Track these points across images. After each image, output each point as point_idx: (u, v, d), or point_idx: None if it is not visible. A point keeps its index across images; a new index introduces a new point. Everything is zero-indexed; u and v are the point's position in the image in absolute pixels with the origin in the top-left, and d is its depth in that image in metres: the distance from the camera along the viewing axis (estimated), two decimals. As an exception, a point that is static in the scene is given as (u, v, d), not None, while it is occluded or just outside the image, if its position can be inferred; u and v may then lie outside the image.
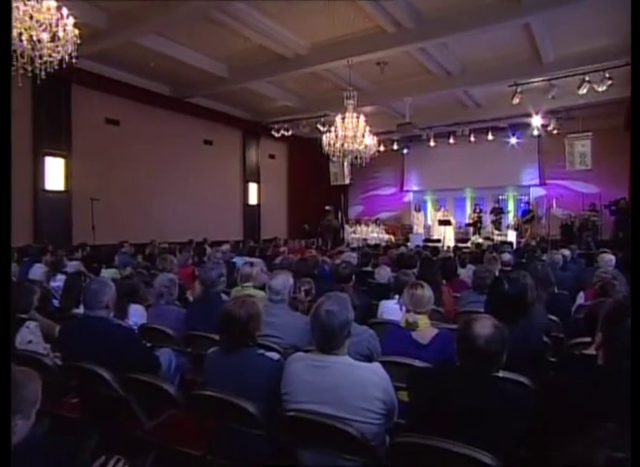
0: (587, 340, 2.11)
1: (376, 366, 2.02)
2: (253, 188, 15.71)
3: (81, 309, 3.27)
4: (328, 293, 2.14)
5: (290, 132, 14.41)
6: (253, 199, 15.72)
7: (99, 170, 10.78)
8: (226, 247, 8.74)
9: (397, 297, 3.70)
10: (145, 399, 2.40)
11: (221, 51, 10.04)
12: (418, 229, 16.17)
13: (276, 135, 14.50)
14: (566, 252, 6.46)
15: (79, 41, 4.86)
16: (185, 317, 3.46)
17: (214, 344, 2.39)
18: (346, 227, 16.09)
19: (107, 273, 5.48)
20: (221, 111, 13.71)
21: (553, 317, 3.49)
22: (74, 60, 4.85)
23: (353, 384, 1.90)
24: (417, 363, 2.43)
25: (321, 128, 12.65)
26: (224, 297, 3.66)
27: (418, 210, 16.65)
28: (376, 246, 11.65)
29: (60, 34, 4.59)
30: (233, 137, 14.95)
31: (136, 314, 3.48)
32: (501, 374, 2.05)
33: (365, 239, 14.90)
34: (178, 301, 3.95)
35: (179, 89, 12.12)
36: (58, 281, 4.77)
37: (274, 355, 2.29)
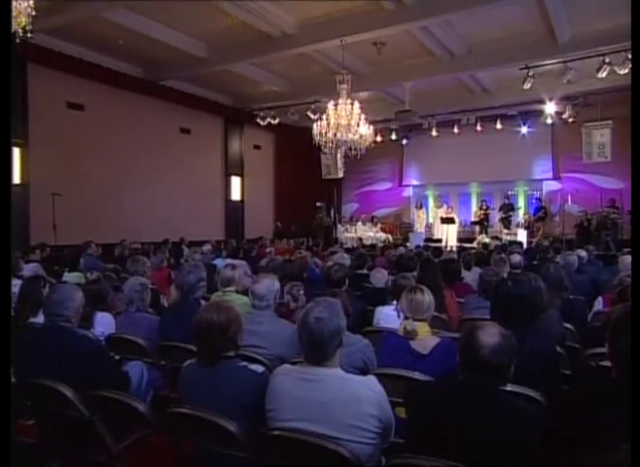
0: (605, 350, 2.13)
1: (371, 379, 2.01)
2: (236, 182, 15.68)
3: (39, 318, 3.24)
4: (317, 298, 2.13)
5: (277, 120, 14.39)
6: (236, 195, 15.69)
7: (61, 161, 10.67)
8: (207, 248, 8.70)
9: (394, 302, 3.70)
10: (112, 419, 2.38)
11: (199, 28, 10.01)
12: (419, 227, 16.26)
13: (262, 124, 14.47)
14: (582, 253, 6.50)
15: (34, 13, 4.77)
16: (158, 326, 3.45)
17: (191, 356, 2.38)
18: (339, 225, 16.11)
19: (70, 278, 5.43)
20: (200, 96, 13.68)
21: (568, 325, 3.52)
22: (29, 35, 4.75)
23: (345, 400, 1.90)
24: (416, 375, 2.43)
25: (311, 116, 12.62)
26: (203, 303, 3.63)
27: (419, 207, 16.73)
28: (373, 247, 11.68)
29: (13, 4, 4.48)
30: (214, 125, 14.91)
31: (103, 323, 3.45)
32: (509, 387, 2.07)
33: (360, 239, 14.94)
34: (151, 308, 3.92)
35: (152, 71, 12.05)
36: (13, 287, 4.71)
37: (258, 368, 2.28)
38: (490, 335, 1.77)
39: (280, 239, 13.95)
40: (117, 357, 3.12)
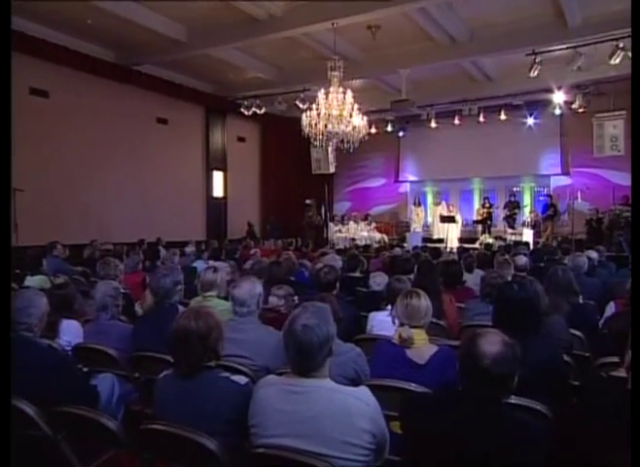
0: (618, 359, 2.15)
1: (364, 391, 2.01)
2: (218, 177, 15.66)
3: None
4: (305, 303, 2.13)
5: (263, 110, 14.39)
6: (218, 191, 15.67)
7: (23, 154, 10.52)
8: (190, 249, 8.69)
9: (389, 307, 3.72)
10: (79, 438, 2.36)
11: (178, 8, 9.95)
12: (417, 227, 16.34)
13: (246, 113, 14.47)
14: (593, 254, 6.56)
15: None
16: (132, 335, 3.43)
17: (167, 367, 2.37)
18: (331, 224, 16.13)
19: (33, 282, 5.38)
20: (178, 83, 13.64)
21: (577, 332, 3.54)
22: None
23: (335, 413, 1.90)
24: (413, 387, 2.44)
25: (300, 106, 12.65)
26: (181, 309, 3.63)
27: (417, 205, 16.80)
28: (367, 247, 11.70)
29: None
30: (194, 115, 14.87)
31: (70, 332, 3.42)
32: (513, 400, 2.08)
33: (353, 239, 14.98)
34: (124, 314, 3.91)
35: (125, 55, 11.98)
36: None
37: (241, 379, 2.28)
38: (492, 343, 1.78)
39: (276, 240, 13.97)
40: (85, 369, 3.10)
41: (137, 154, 12.90)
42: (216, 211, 15.50)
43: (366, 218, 16.51)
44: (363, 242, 14.22)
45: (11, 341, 2.28)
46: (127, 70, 12.27)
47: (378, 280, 4.88)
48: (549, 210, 14.75)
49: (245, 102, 14.45)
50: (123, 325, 3.61)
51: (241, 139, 16.71)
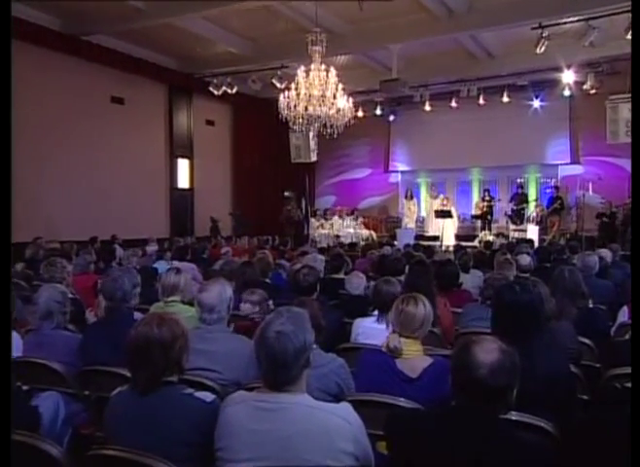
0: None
1: (346, 407, 2.01)
2: (183, 166, 15.58)
3: None
4: (279, 308, 2.13)
5: (235, 90, 14.34)
6: (183, 182, 15.60)
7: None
8: (152, 248, 8.64)
9: (376, 313, 3.74)
10: (17, 467, 2.32)
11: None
12: (408, 223, 16.44)
13: (216, 93, 14.39)
14: (605, 253, 6.63)
15: None
16: (81, 346, 3.39)
17: (122, 383, 2.35)
18: (312, 220, 16.14)
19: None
20: (136, 57, 13.49)
21: (586, 340, 3.58)
22: None
23: (313, 433, 1.89)
24: (402, 402, 2.44)
25: (277, 85, 12.62)
26: (138, 316, 3.61)
27: (409, 198, 16.89)
28: (353, 246, 11.72)
29: None
30: (155, 94, 14.76)
31: (8, 344, 3.38)
32: (514, 416, 2.09)
33: (337, 237, 15.00)
34: (72, 323, 3.86)
35: (74, 23, 11.79)
36: None
37: (207, 396, 2.27)
38: (488, 351, 1.79)
39: (251, 237, 13.92)
40: (24, 388, 3.04)
41: (88, 138, 12.73)
42: (181, 205, 15.42)
43: (352, 213, 16.55)
44: (348, 240, 14.25)
45: (11, 340, 2.23)
46: (76, 40, 12.05)
47: (356, 282, 4.89)
48: (556, 204, 14.88)
49: (214, 80, 14.37)
50: (70, 335, 3.56)
51: (210, 122, 16.63)
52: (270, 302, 4.16)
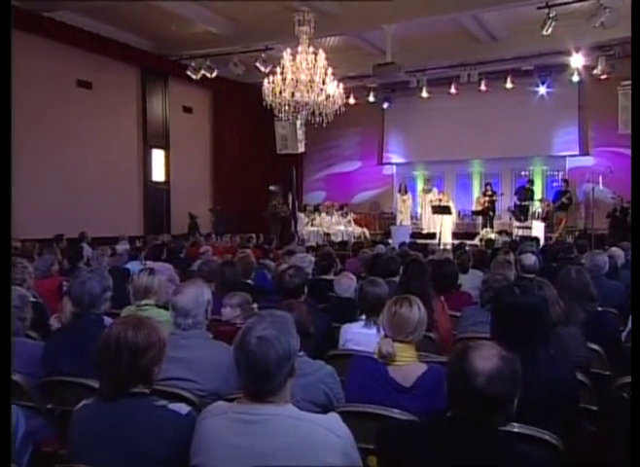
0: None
1: (333, 419, 2.02)
2: (158, 157, 15.54)
3: None
4: (261, 312, 2.13)
5: (215, 73, 14.29)
6: (159, 175, 15.55)
7: None
8: (123, 247, 8.59)
9: (364, 317, 3.76)
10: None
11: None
12: (404, 219, 16.47)
13: (194, 77, 14.34)
14: (617, 252, 6.67)
15: None
16: (44, 355, 3.36)
17: (89, 395, 2.34)
18: (300, 216, 16.13)
19: None
20: (104, 36, 13.36)
21: (594, 346, 3.61)
22: None
23: (298, 447, 1.89)
24: (395, 413, 2.45)
25: (262, 69, 12.60)
26: (108, 321, 3.59)
27: (404, 192, 16.92)
28: (344, 244, 11.74)
29: None
30: (126, 78, 14.68)
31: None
32: (516, 429, 2.11)
33: (327, 234, 15.01)
34: (34, 330, 3.85)
35: (36, -1, 11.69)
36: None
37: (182, 408, 2.26)
38: (487, 358, 1.79)
39: (234, 235, 13.90)
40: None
41: (52, 127, 12.63)
42: (156, 200, 15.38)
43: (342, 208, 16.55)
44: (339, 238, 14.28)
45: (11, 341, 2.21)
46: (37, 17, 11.90)
47: (345, 284, 4.90)
48: (563, 198, 14.96)
49: (192, 63, 14.31)
50: (31, 343, 3.54)
51: (187, 109, 16.58)
52: (255, 305, 4.16)
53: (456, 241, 13.69)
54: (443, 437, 1.81)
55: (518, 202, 15.35)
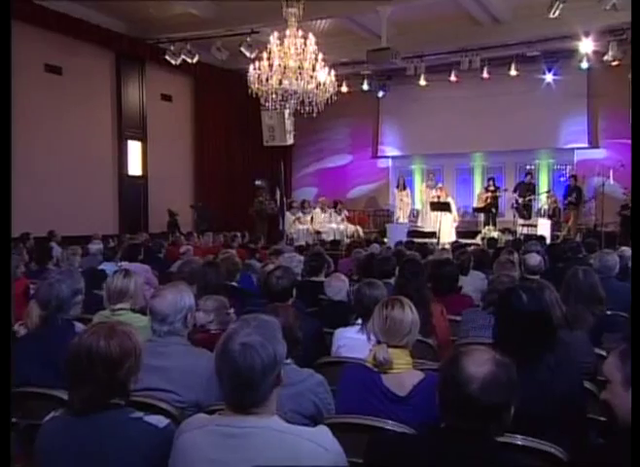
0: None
1: (322, 432, 2.02)
2: (135, 149, 15.52)
3: None
4: (245, 316, 2.12)
5: (196, 59, 14.27)
6: (135, 168, 15.53)
7: None
8: (96, 246, 8.54)
9: (359, 321, 3.75)
10: None
11: None
12: (401, 216, 16.50)
13: (173, 63, 14.32)
14: (628, 252, 6.72)
15: None
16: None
17: (58, 407, 2.33)
18: (288, 213, 16.13)
19: None
20: (76, 17, 13.30)
21: (603, 352, 3.62)
22: None
23: (284, 462, 1.89)
24: (389, 425, 2.45)
25: (247, 54, 12.59)
26: (79, 327, 3.59)
27: (401, 188, 16.93)
28: (336, 243, 11.75)
29: None
30: (99, 63, 14.63)
31: None
32: (517, 440, 2.11)
33: (318, 233, 15.02)
34: (-3, 336, 3.81)
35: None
36: None
37: (160, 420, 2.25)
38: (480, 363, 1.80)
39: (216, 233, 13.89)
40: None
41: (17, 115, 12.51)
42: (132, 195, 15.36)
43: (335, 205, 16.54)
44: (330, 237, 14.28)
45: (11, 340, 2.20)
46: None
47: (336, 286, 4.90)
48: (571, 194, 14.99)
49: (172, 47, 14.29)
50: (-6, 351, 3.53)
51: (167, 97, 16.55)
52: (232, 310, 4.13)
53: (457, 240, 13.81)
54: (435, 449, 1.81)
55: (519, 199, 15.32)
